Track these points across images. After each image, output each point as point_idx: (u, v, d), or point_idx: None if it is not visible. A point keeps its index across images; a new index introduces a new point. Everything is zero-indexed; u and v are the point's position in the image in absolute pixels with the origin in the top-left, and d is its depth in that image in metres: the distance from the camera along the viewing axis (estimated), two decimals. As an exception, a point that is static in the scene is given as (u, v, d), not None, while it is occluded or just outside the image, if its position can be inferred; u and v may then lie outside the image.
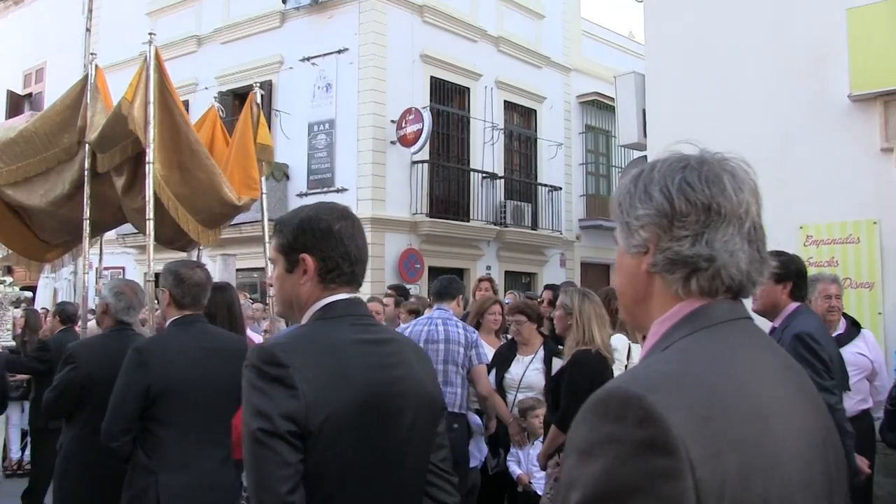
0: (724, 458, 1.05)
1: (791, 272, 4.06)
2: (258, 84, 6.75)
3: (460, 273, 16.65)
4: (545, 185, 18.70)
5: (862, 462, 4.36)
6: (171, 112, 5.51)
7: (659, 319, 1.29)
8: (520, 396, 5.57)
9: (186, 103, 16.75)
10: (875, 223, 6.10)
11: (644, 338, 1.28)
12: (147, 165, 5.26)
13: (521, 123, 19.02)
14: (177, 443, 3.59)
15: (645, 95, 7.38)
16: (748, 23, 6.85)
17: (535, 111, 19.15)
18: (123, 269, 17.18)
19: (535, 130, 19.13)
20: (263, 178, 6.32)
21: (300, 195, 15.63)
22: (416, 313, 6.82)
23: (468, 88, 17.27)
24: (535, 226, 18.29)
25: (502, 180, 17.58)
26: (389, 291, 9.46)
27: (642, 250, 1.29)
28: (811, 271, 5.86)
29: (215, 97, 7.38)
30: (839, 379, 3.95)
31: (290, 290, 2.01)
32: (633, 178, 1.35)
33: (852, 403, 5.12)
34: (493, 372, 5.83)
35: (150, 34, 5.58)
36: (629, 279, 1.34)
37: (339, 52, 15.33)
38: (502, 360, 5.87)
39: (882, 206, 6.09)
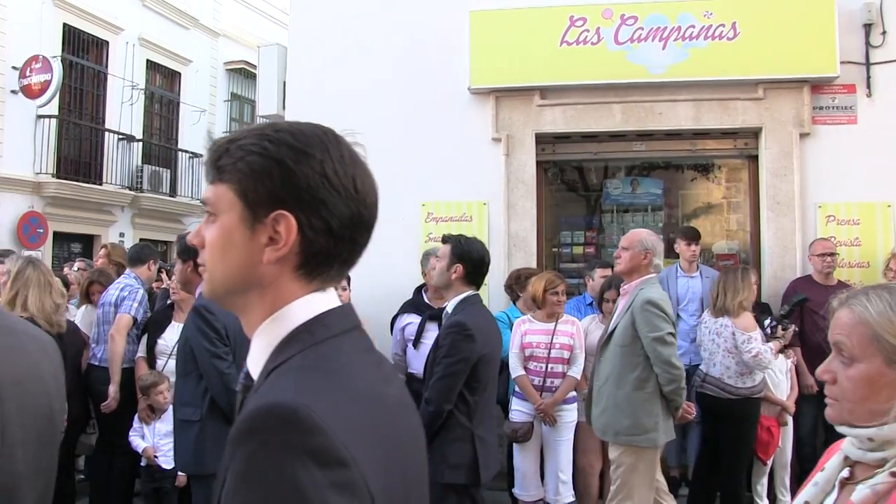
0: None
1: (187, 251, 4.40)
2: None
3: (90, 239, 15.54)
4: (186, 152, 18.11)
5: None
6: None
7: None
8: (171, 363, 5.35)
9: None
10: (485, 204, 6.86)
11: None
12: None
13: (163, 85, 18.14)
14: None
15: (286, 68, 7.48)
16: (383, 10, 7.27)
17: (180, 74, 18.39)
18: None
19: (179, 94, 18.39)
20: None
21: None
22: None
23: (107, 42, 16.05)
24: (173, 192, 17.67)
25: (140, 143, 16.68)
26: None
27: None
28: (429, 246, 6.44)
29: None
30: (234, 346, 4.20)
31: None
32: None
33: (458, 364, 5.74)
34: (146, 337, 5.73)
35: None
36: None
37: (-54, -21, 13.40)
38: (156, 325, 5.67)
39: (490, 189, 6.87)
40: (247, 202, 1.10)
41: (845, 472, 1.44)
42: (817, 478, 1.49)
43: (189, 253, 4.28)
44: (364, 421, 1.01)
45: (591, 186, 8.38)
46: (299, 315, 1.11)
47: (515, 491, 5.66)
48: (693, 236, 6.59)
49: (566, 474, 5.48)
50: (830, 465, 1.48)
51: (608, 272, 6.25)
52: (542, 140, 7.00)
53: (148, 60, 17.18)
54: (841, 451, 1.47)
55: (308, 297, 1.12)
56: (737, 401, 5.42)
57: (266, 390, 1.02)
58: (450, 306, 4.06)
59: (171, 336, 5.45)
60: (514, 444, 5.63)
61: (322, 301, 1.13)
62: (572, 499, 5.45)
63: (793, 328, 5.70)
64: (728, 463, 5.58)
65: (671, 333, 4.38)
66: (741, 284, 5.47)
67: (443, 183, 6.92)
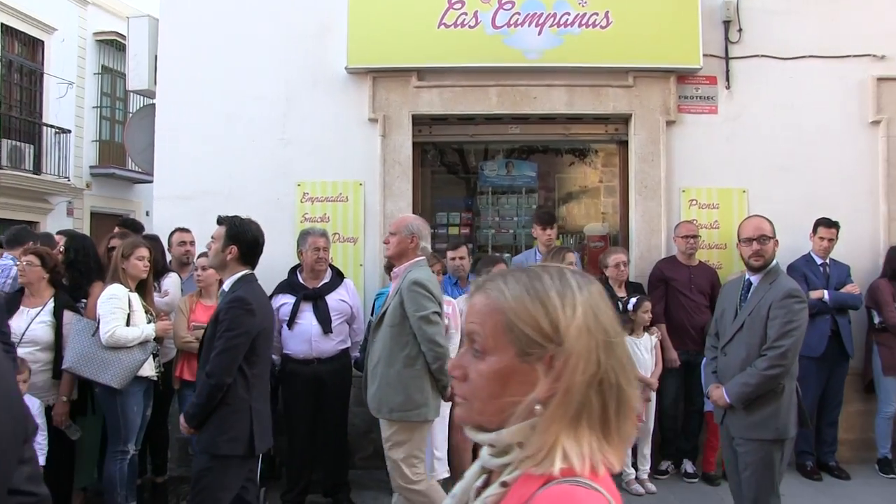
0: None
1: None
2: None
3: (-57, 217, 14.58)
4: (52, 127, 17.13)
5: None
6: None
7: None
8: (21, 351, 5.07)
9: None
10: (361, 184, 6.84)
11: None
12: None
13: (24, 54, 17.08)
14: None
15: (158, 41, 7.20)
16: (259, -16, 7.09)
17: (44, 43, 17.36)
18: None
19: (43, 64, 17.37)
20: None
21: None
22: None
23: (-47, 3, 15.01)
24: (38, 170, 16.73)
25: (-2, 116, 15.73)
26: None
27: None
28: (304, 226, 6.39)
29: None
30: None
31: None
32: None
33: (334, 344, 5.73)
34: None
35: None
36: None
37: None
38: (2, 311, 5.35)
39: (366, 170, 6.85)
40: None
41: (480, 482, 1.30)
42: (455, 488, 1.33)
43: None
44: None
45: (469, 168, 8.49)
46: None
47: (391, 469, 5.72)
48: (547, 220, 6.78)
49: (441, 451, 5.60)
50: (469, 473, 1.33)
51: (460, 252, 6.52)
52: (418, 121, 7.02)
53: (4, 25, 16.13)
54: (480, 457, 1.31)
55: None
56: None
57: None
58: (226, 285, 4.17)
59: (17, 323, 5.16)
60: (391, 423, 5.69)
61: None
62: (447, 474, 5.56)
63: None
64: None
65: (437, 313, 4.54)
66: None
67: (318, 163, 6.85)
